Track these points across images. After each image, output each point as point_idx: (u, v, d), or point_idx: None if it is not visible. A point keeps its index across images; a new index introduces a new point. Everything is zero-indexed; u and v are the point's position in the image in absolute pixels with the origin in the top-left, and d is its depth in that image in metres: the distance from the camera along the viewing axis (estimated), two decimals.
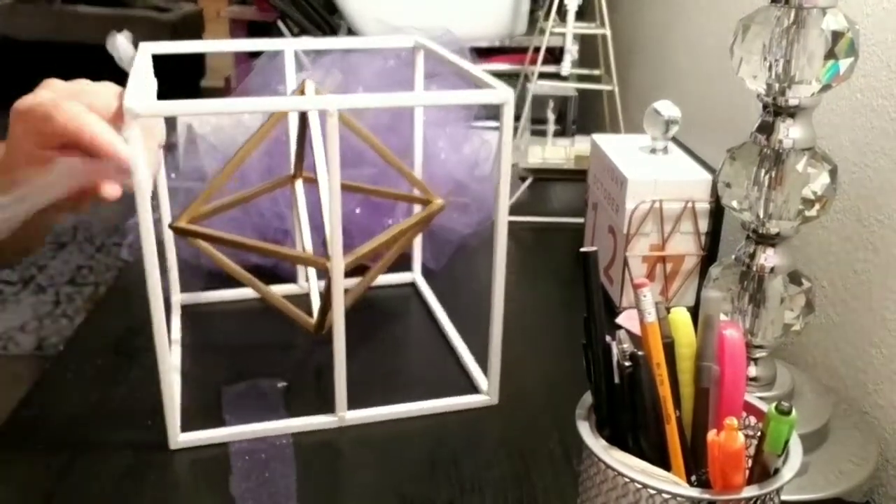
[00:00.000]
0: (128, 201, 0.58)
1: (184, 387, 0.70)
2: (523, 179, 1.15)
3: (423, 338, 0.81)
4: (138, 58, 0.66)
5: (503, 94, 0.62)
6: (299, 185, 0.82)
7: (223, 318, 0.82)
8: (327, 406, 0.66)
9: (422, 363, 0.77)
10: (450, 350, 0.78)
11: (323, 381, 0.71)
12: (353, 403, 0.66)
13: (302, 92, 0.73)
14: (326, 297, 0.68)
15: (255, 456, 0.62)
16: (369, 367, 0.72)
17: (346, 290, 0.66)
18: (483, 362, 0.71)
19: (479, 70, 0.68)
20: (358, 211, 0.92)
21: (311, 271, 0.82)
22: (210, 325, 0.80)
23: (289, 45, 0.78)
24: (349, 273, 0.88)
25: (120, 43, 0.66)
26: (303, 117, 0.76)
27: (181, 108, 0.59)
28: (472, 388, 0.72)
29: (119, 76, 0.66)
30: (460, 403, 0.69)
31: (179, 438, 0.63)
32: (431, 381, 0.73)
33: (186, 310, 0.82)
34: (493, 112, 1.22)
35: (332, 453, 0.64)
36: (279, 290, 0.85)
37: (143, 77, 0.63)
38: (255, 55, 1.04)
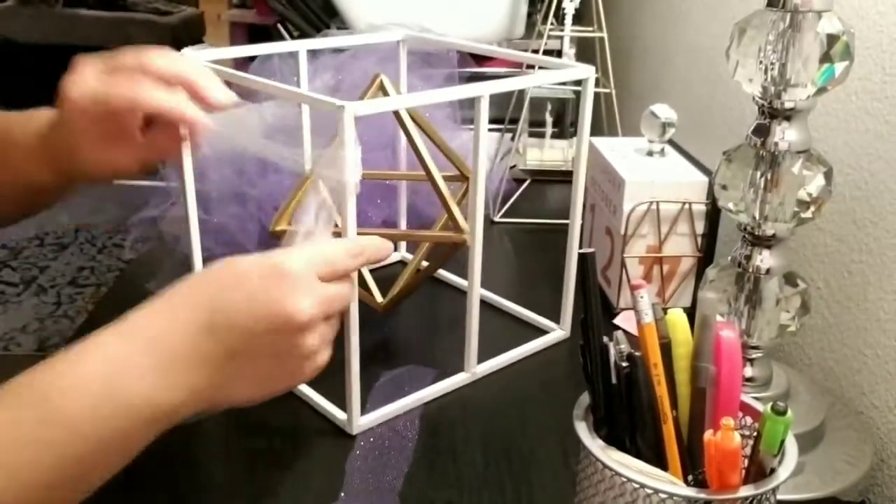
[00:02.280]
0: (129, 202, 0.58)
1: None
2: (518, 181, 1.15)
3: (458, 304, 0.82)
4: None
5: (585, 70, 0.69)
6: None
7: None
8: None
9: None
10: (492, 310, 0.85)
11: (398, 354, 0.77)
12: (453, 369, 0.72)
13: (380, 86, 0.75)
14: (415, 276, 0.77)
15: (379, 441, 0.64)
16: (443, 334, 0.77)
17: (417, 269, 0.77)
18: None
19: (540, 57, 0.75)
20: (380, 201, 0.94)
21: None
22: None
23: (298, 46, 0.79)
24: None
25: None
26: None
27: (390, 104, 0.65)
28: (539, 332, 0.80)
29: None
30: (550, 340, 0.79)
31: (360, 422, 0.65)
32: (500, 334, 0.79)
33: None
34: (491, 113, 1.23)
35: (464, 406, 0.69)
36: None
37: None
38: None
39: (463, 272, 0.87)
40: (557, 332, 0.79)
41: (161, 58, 0.57)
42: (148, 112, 0.57)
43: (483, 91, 0.62)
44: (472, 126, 0.64)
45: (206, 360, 0.47)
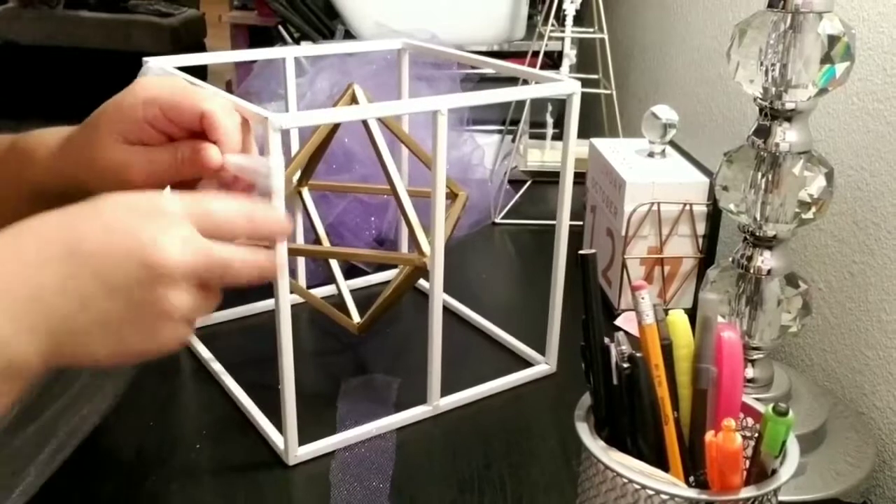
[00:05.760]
0: None
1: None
2: (519, 182, 1.15)
3: (447, 326, 0.80)
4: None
5: (571, 86, 0.67)
6: (306, 192, 0.84)
7: (242, 334, 0.81)
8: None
9: (460, 348, 0.78)
10: (479, 334, 0.81)
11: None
12: (420, 398, 0.68)
13: (352, 96, 0.74)
14: (389, 297, 0.72)
15: (358, 449, 0.64)
16: (419, 359, 0.72)
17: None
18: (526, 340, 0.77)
19: (528, 69, 0.73)
20: (350, 216, 0.93)
21: (340, 277, 0.83)
22: (232, 343, 0.79)
23: (285, 53, 0.79)
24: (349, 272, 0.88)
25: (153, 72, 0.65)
26: (332, 127, 0.77)
27: (319, 117, 0.63)
28: (523, 363, 0.75)
29: (122, 78, 0.65)
30: (528, 375, 0.73)
31: (298, 452, 0.62)
32: (479, 363, 0.76)
33: (198, 331, 0.79)
34: (488, 116, 1.24)
35: (428, 440, 0.66)
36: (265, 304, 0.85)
37: None
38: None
39: (458, 289, 0.87)
40: (541, 367, 0.74)
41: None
42: (203, 112, 0.52)
43: (441, 105, 0.60)
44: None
45: (51, 297, 0.40)
